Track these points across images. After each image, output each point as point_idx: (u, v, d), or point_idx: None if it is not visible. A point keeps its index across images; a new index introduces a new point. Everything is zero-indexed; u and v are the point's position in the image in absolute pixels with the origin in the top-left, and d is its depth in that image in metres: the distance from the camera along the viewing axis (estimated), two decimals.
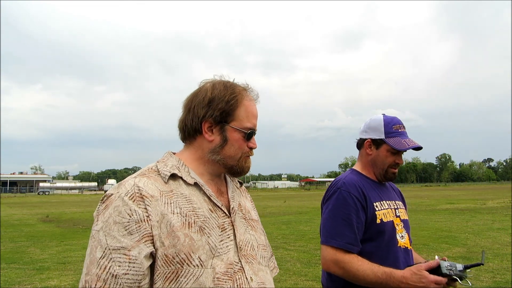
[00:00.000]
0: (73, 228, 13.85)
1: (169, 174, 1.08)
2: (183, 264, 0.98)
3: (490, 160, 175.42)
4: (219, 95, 1.12)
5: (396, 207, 1.83)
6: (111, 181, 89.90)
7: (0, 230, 13.21)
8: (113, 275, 0.93)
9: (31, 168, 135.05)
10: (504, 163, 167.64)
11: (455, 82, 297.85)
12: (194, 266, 0.99)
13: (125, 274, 0.94)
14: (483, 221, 13.09)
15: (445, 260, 1.54)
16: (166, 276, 0.97)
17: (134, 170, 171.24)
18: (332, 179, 1.96)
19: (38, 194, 69.95)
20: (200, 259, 1.00)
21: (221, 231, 1.07)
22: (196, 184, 1.11)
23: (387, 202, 1.81)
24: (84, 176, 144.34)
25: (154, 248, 0.98)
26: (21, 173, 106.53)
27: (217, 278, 1.01)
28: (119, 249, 0.95)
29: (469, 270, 1.55)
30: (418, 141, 1.79)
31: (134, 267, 0.95)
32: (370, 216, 1.70)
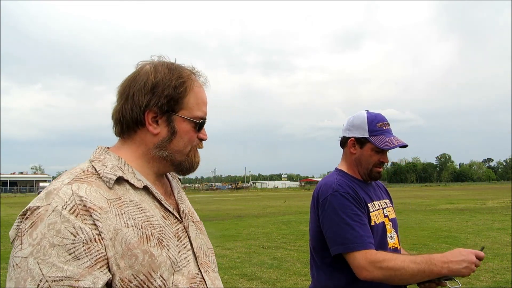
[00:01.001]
0: None
1: (114, 177, 0.87)
2: (143, 286, 0.80)
3: (490, 160, 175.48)
4: (164, 80, 0.92)
5: (384, 206, 1.78)
6: None
7: (0, 230, 13.19)
8: None
9: (31, 168, 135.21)
10: (504, 163, 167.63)
11: (455, 82, 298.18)
12: (158, 286, 0.82)
13: None
14: (483, 221, 13.08)
15: None
16: None
17: None
18: (320, 179, 1.87)
19: (38, 194, 69.87)
20: (162, 277, 0.83)
21: (178, 241, 0.92)
22: (145, 188, 0.92)
23: (377, 202, 1.76)
24: None
25: (111, 273, 0.78)
26: (21, 173, 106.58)
27: None
28: (62, 280, 0.72)
29: None
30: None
31: None
32: (367, 218, 1.65)
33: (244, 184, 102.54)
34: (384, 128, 1.74)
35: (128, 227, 0.82)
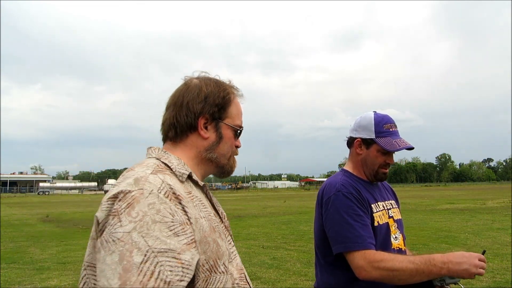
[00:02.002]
0: (73, 228, 13.85)
1: (187, 173, 0.99)
2: (212, 271, 0.90)
3: (490, 160, 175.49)
4: (214, 91, 1.07)
5: (389, 207, 1.79)
6: (111, 181, 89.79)
7: (0, 230, 13.20)
8: (165, 281, 0.76)
9: (31, 168, 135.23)
10: (504, 163, 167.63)
11: (455, 82, 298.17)
12: (220, 273, 0.93)
13: (180, 281, 0.78)
14: (483, 221, 13.09)
15: None
16: (199, 285, 0.88)
17: None
18: (326, 179, 1.88)
19: (38, 194, 69.96)
20: (225, 265, 0.95)
21: (226, 237, 1.04)
22: (204, 186, 1.05)
23: (381, 203, 1.76)
24: (84, 176, 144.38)
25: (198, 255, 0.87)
26: (21, 173, 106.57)
27: (236, 284, 0.98)
28: (166, 251, 0.79)
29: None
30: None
31: (188, 274, 0.81)
32: (369, 218, 1.65)
33: (244, 184, 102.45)
34: (391, 129, 1.74)
35: (201, 218, 0.93)
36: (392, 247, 1.70)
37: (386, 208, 1.77)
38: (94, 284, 0.84)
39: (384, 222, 1.70)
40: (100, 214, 0.85)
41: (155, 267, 0.76)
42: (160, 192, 0.85)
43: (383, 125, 1.74)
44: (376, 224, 1.66)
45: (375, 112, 1.81)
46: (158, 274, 0.76)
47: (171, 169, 0.97)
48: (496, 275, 5.94)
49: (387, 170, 1.78)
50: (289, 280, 6.01)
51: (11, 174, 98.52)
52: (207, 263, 0.89)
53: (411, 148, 1.73)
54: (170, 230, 0.81)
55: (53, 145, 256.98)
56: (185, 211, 0.87)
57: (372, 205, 1.70)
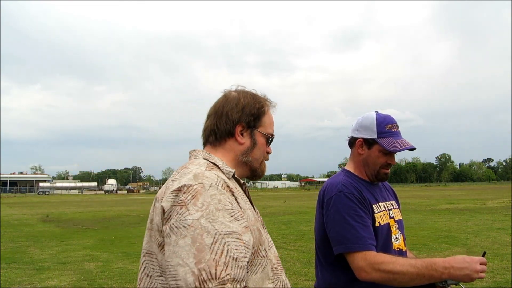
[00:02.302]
0: (73, 228, 13.85)
1: (232, 171, 1.15)
2: (255, 255, 1.04)
3: (490, 160, 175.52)
4: (251, 103, 1.23)
5: (390, 207, 1.78)
6: (111, 181, 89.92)
7: (0, 230, 13.21)
8: (233, 257, 0.91)
9: (31, 168, 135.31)
10: (504, 163, 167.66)
11: (455, 82, 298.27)
12: (261, 257, 1.07)
13: (244, 257, 0.94)
14: (483, 221, 13.09)
15: None
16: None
17: (134, 170, 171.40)
18: (328, 179, 1.88)
19: (38, 194, 69.98)
20: (265, 250, 1.10)
21: (264, 228, 1.19)
22: (243, 184, 1.20)
23: (382, 203, 1.76)
24: (84, 176, 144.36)
25: None
26: (21, 173, 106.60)
27: (274, 268, 1.12)
28: (231, 234, 0.94)
29: None
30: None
31: (248, 252, 0.96)
32: (371, 219, 1.65)
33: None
34: (393, 130, 1.74)
35: (247, 209, 1.09)
36: (393, 248, 1.70)
37: (387, 209, 1.76)
38: (155, 269, 1.01)
39: (385, 223, 1.70)
40: (166, 204, 0.98)
41: (223, 247, 0.91)
42: (218, 185, 1.01)
43: (385, 126, 1.73)
44: (377, 224, 1.66)
45: (377, 112, 1.80)
46: (227, 252, 0.91)
47: (219, 168, 1.13)
48: (496, 275, 5.94)
49: (389, 171, 1.78)
50: (289, 280, 6.00)
51: (11, 174, 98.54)
52: (252, 247, 1.02)
53: (413, 149, 1.72)
54: (231, 216, 0.97)
55: (53, 145, 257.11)
56: (237, 201, 1.04)
57: (373, 206, 1.69)
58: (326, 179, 1.91)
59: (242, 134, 1.22)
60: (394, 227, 1.74)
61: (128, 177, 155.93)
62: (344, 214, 1.60)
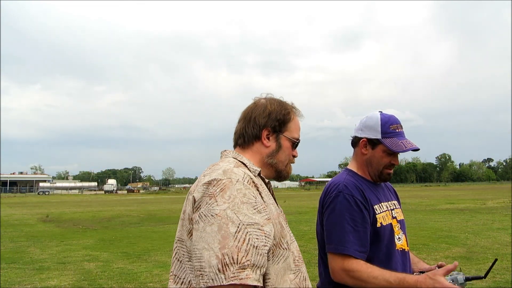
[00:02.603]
0: (73, 228, 13.86)
1: (259, 170, 1.25)
2: (277, 246, 1.13)
3: (490, 160, 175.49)
4: (277, 109, 1.34)
5: (392, 207, 1.79)
6: (111, 181, 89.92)
7: (0, 230, 13.21)
8: (254, 246, 1.01)
9: (31, 168, 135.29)
10: (504, 163, 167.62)
11: (455, 82, 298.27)
12: (283, 249, 1.15)
13: (264, 246, 1.04)
14: (483, 221, 13.10)
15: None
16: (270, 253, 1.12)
17: (134, 170, 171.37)
18: (331, 179, 1.88)
19: (38, 194, 69.96)
20: (288, 243, 1.18)
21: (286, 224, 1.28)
22: (268, 183, 1.30)
23: (385, 203, 1.76)
24: (84, 176, 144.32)
25: None
26: (21, 173, 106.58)
27: (296, 260, 1.20)
28: (253, 225, 1.04)
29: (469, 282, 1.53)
30: (417, 141, 1.73)
31: (269, 241, 1.06)
32: (372, 220, 1.65)
33: None
34: (397, 130, 1.74)
35: (270, 204, 1.19)
36: (396, 248, 1.70)
37: (389, 209, 1.76)
38: (185, 254, 1.12)
39: (387, 223, 1.70)
40: (197, 195, 1.10)
41: (246, 236, 1.01)
42: (244, 181, 1.11)
43: (390, 126, 1.74)
44: (379, 225, 1.66)
45: (381, 112, 1.80)
46: (249, 241, 1.01)
47: (246, 166, 1.24)
48: (496, 275, 5.93)
49: (392, 171, 1.78)
50: None
51: (11, 174, 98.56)
52: (274, 239, 1.11)
53: (417, 150, 1.73)
54: (254, 209, 1.07)
55: (53, 145, 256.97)
56: (261, 196, 1.13)
57: (375, 206, 1.70)
58: (326, 179, 1.93)
59: (268, 138, 1.32)
60: (396, 227, 1.74)
61: (128, 177, 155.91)
62: (338, 216, 1.62)
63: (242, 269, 0.97)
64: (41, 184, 77.52)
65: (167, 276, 6.49)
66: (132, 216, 18.59)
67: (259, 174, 1.25)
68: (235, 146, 1.37)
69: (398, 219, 1.78)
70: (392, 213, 1.76)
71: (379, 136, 1.73)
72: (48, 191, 73.51)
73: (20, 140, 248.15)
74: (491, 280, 5.67)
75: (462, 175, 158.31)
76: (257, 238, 1.03)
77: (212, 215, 1.03)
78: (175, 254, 1.17)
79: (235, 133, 1.38)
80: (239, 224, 1.02)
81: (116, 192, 76.53)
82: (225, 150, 1.35)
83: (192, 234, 1.07)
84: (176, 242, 1.18)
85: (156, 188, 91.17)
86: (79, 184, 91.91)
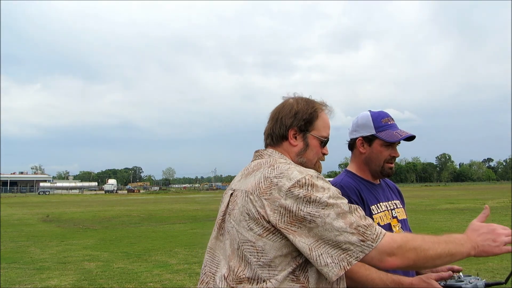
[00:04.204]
0: (73, 228, 13.86)
1: None
2: None
3: (490, 160, 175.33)
4: (303, 109, 1.36)
5: (392, 207, 1.79)
6: (111, 181, 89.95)
7: (0, 230, 13.21)
8: (366, 220, 1.14)
9: (31, 168, 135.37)
10: (504, 163, 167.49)
11: (455, 82, 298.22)
12: None
13: (370, 223, 1.15)
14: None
15: (457, 274, 1.52)
16: None
17: (134, 170, 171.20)
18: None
19: (39, 194, 70.00)
20: None
21: None
22: None
23: (384, 203, 1.77)
24: (84, 176, 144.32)
25: None
26: (21, 173, 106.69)
27: None
28: (353, 206, 1.15)
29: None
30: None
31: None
32: None
33: None
34: (389, 123, 1.77)
35: None
36: None
37: (389, 209, 1.77)
38: (257, 256, 1.15)
39: (385, 223, 1.70)
40: (296, 191, 1.14)
41: (357, 212, 1.14)
42: (316, 174, 1.20)
43: (381, 120, 1.77)
44: None
45: (370, 110, 1.83)
46: (360, 211, 1.15)
47: None
48: (496, 275, 5.95)
49: (393, 165, 1.79)
50: None
51: (11, 174, 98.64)
52: None
53: (412, 137, 1.75)
54: (340, 194, 1.19)
55: (53, 145, 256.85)
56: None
57: (372, 207, 1.70)
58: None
59: (295, 137, 1.35)
60: (396, 227, 1.74)
61: (128, 177, 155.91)
62: None
63: (372, 227, 1.12)
64: (41, 184, 77.58)
65: (167, 276, 6.50)
66: (132, 216, 18.60)
67: None
68: (266, 146, 1.41)
69: (399, 218, 1.78)
70: (392, 213, 1.77)
71: (373, 132, 1.76)
72: (49, 191, 73.54)
73: (20, 140, 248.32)
74: (491, 280, 5.67)
75: (462, 175, 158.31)
76: (364, 217, 1.15)
77: (323, 208, 1.11)
78: (242, 256, 1.17)
79: (264, 133, 1.43)
80: (346, 203, 1.14)
81: (116, 192, 76.56)
82: (265, 149, 1.39)
83: (271, 234, 1.14)
84: (241, 244, 1.18)
85: (157, 188, 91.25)
86: (79, 184, 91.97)
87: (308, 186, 1.14)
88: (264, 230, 1.15)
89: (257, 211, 1.15)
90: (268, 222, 1.14)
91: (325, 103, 1.43)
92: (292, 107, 1.36)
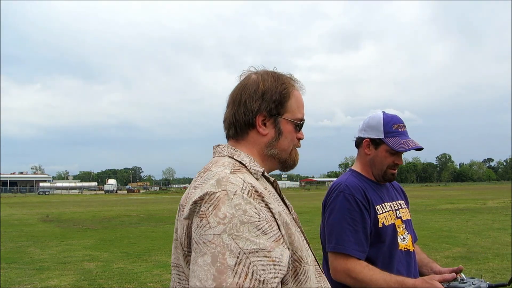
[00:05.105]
0: (73, 228, 13.85)
1: (261, 170, 1.02)
2: (300, 262, 0.93)
3: (490, 160, 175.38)
4: (271, 87, 1.07)
5: (397, 207, 1.78)
6: (111, 181, 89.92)
7: (0, 230, 13.20)
8: (259, 280, 0.79)
9: (31, 168, 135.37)
10: (504, 163, 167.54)
11: (455, 82, 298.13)
12: (305, 264, 0.94)
13: (274, 278, 0.81)
14: (483, 221, 13.10)
15: (460, 276, 1.52)
16: (290, 276, 0.91)
17: (134, 170, 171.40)
18: (333, 179, 1.90)
19: (38, 194, 69.92)
20: (307, 256, 0.97)
21: (297, 228, 1.04)
22: (274, 182, 1.07)
23: (388, 203, 1.76)
24: (84, 176, 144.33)
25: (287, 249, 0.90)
26: (21, 173, 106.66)
27: (318, 275, 1.00)
28: (257, 251, 0.81)
29: None
30: (418, 141, 1.72)
31: (280, 270, 0.83)
32: (373, 220, 1.65)
33: None
34: (400, 130, 1.74)
35: (282, 211, 0.95)
36: (399, 248, 1.70)
37: (393, 209, 1.76)
38: (182, 283, 0.93)
39: (390, 223, 1.70)
40: (187, 215, 0.89)
41: (248, 268, 0.79)
42: (243, 192, 0.87)
43: (392, 125, 1.74)
44: (380, 225, 1.66)
45: (384, 112, 1.80)
46: (252, 275, 0.79)
47: (246, 167, 1.00)
48: (496, 275, 5.94)
49: (396, 171, 1.78)
50: None
51: (11, 174, 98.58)
52: (294, 253, 0.92)
53: (420, 149, 1.72)
54: (258, 230, 0.83)
55: (53, 145, 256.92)
56: (269, 207, 0.89)
57: (377, 207, 1.70)
58: (326, 179, 1.93)
59: (264, 124, 1.07)
60: (401, 227, 1.74)
61: (128, 177, 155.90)
62: (338, 215, 1.64)
63: None
64: (41, 184, 77.50)
65: (167, 276, 6.49)
66: (132, 216, 18.58)
67: (263, 174, 1.03)
68: (228, 138, 1.12)
69: (404, 219, 1.78)
70: (396, 213, 1.76)
71: (381, 136, 1.73)
72: (48, 191, 73.48)
73: (20, 140, 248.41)
74: (491, 280, 5.66)
75: (462, 175, 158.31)
76: (263, 269, 0.80)
77: (204, 242, 0.81)
78: (173, 284, 0.96)
79: (224, 122, 1.12)
80: (239, 253, 0.79)
81: (116, 192, 76.53)
82: (218, 145, 1.10)
83: (189, 262, 0.88)
84: (172, 267, 0.97)
85: (156, 188, 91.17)
86: (79, 184, 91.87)
87: (210, 205, 0.85)
88: (184, 255, 0.91)
89: (178, 226, 0.94)
90: (181, 244, 0.92)
91: (294, 77, 1.15)
92: (257, 86, 1.06)
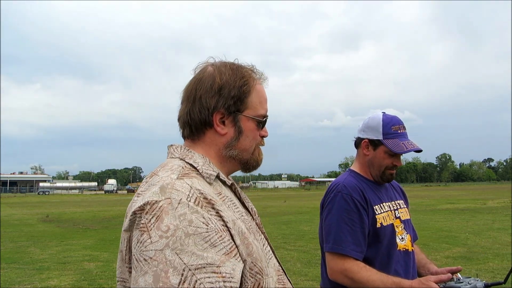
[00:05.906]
0: (73, 228, 13.84)
1: (215, 174, 0.91)
2: (261, 274, 0.84)
3: (490, 160, 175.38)
4: (229, 81, 0.95)
5: (395, 207, 1.78)
6: (111, 181, 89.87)
7: (0, 230, 13.20)
8: None
9: (31, 168, 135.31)
10: (504, 163, 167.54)
11: (455, 82, 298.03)
12: (266, 275, 0.85)
13: None
14: (483, 221, 13.09)
15: (456, 276, 1.52)
16: None
17: (134, 170, 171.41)
18: (332, 179, 1.90)
19: (38, 194, 69.90)
20: (267, 267, 0.88)
21: (259, 236, 0.94)
22: (232, 185, 0.98)
23: (387, 204, 1.76)
24: (84, 176, 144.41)
25: (242, 261, 0.80)
26: (21, 173, 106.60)
27: (281, 285, 0.91)
28: (204, 267, 0.72)
29: None
30: (417, 142, 1.72)
31: (231, 285, 0.74)
32: (371, 220, 1.66)
33: (244, 184, 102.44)
34: (399, 131, 1.73)
35: (237, 219, 0.85)
36: (398, 248, 1.69)
37: (392, 209, 1.76)
38: None
39: (388, 223, 1.70)
40: (126, 227, 0.81)
41: (194, 287, 0.70)
42: (189, 200, 0.78)
43: (391, 127, 1.73)
44: (378, 225, 1.66)
45: (383, 113, 1.80)
46: None
47: (197, 170, 0.90)
48: (496, 275, 5.95)
49: (394, 172, 1.78)
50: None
51: (11, 174, 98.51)
52: (255, 266, 0.83)
53: (419, 151, 1.72)
54: (206, 242, 0.74)
55: (53, 145, 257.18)
56: (220, 215, 0.80)
57: (375, 207, 1.70)
58: (326, 179, 1.93)
59: (223, 123, 0.96)
60: (399, 227, 1.73)
61: (128, 177, 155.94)
62: (335, 216, 1.64)
63: None
64: (41, 184, 77.45)
65: None
66: None
67: (218, 177, 0.93)
68: (183, 138, 1.01)
69: (402, 219, 1.78)
70: (395, 213, 1.76)
71: (380, 137, 1.73)
72: (48, 191, 73.45)
73: (20, 140, 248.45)
74: (491, 280, 5.66)
75: (462, 175, 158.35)
76: (211, 287, 0.71)
77: (145, 259, 0.72)
78: None
79: (178, 120, 1.00)
80: (183, 270, 0.71)
81: (116, 192, 76.50)
82: (172, 145, 0.99)
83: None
84: (118, 282, 0.88)
85: None
86: (79, 184, 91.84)
87: (152, 216, 0.75)
88: (129, 270, 0.82)
89: (124, 238, 0.83)
90: (123, 258, 0.84)
91: (255, 68, 1.02)
92: (213, 80, 0.94)
